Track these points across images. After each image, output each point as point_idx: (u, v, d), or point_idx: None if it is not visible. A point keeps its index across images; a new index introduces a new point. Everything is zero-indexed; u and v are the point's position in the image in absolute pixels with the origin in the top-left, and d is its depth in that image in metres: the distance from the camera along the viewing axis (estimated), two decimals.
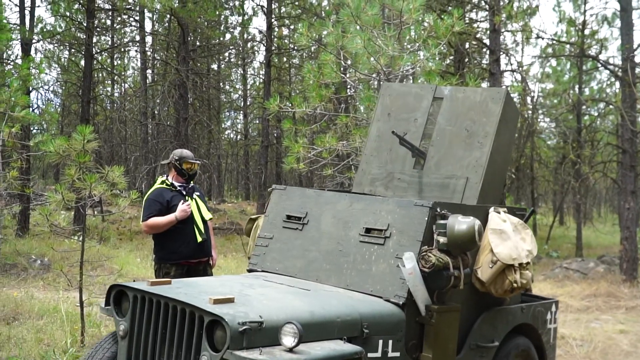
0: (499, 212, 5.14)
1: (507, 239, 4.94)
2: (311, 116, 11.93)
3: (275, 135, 25.59)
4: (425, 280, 4.52)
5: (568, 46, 18.05)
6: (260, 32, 24.35)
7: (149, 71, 25.86)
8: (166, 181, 6.48)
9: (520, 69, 19.16)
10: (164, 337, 4.06)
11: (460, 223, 4.52)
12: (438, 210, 4.68)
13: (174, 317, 4.01)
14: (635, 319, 11.19)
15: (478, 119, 5.80)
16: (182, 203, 6.33)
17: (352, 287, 4.74)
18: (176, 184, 6.48)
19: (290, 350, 3.62)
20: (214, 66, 28.57)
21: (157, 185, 6.51)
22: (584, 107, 18.86)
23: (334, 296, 4.49)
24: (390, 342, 4.36)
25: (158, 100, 22.85)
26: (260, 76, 27.59)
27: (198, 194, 6.62)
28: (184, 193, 6.47)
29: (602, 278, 14.64)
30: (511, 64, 19.11)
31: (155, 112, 23.66)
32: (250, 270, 5.37)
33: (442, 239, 4.54)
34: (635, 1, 15.46)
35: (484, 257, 4.91)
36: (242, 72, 28.79)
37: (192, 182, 6.63)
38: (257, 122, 30.21)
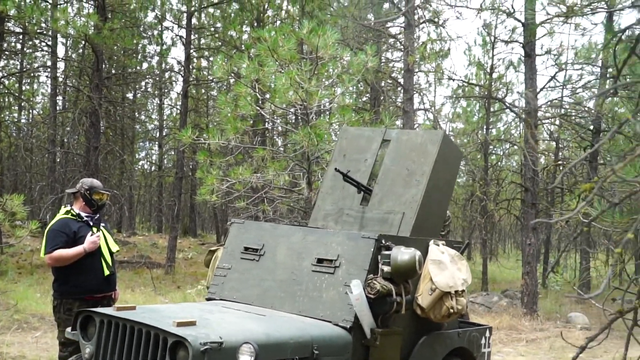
0: (437, 245, 5.62)
1: (444, 268, 5.40)
2: (226, 148, 11.93)
3: (190, 167, 25.31)
4: (370, 306, 4.91)
5: (477, 88, 18.84)
6: (178, 62, 24.22)
7: (59, 98, 25.14)
8: (72, 211, 6.19)
9: (433, 108, 19.84)
10: (129, 358, 4.33)
11: (403, 254, 4.96)
12: (383, 242, 5.12)
13: (139, 340, 4.30)
14: (535, 351, 11.63)
15: (417, 159, 6.29)
16: (90, 234, 6.09)
17: (304, 313, 5.11)
18: (83, 214, 6.20)
19: None
20: (130, 95, 28.12)
21: (61, 215, 6.20)
22: (490, 146, 19.65)
23: (287, 320, 4.86)
24: None
25: (68, 128, 22.22)
26: (177, 107, 27.37)
27: (104, 225, 6.41)
28: (91, 224, 6.21)
29: (505, 311, 15.14)
30: (424, 103, 19.78)
31: (65, 140, 22.96)
32: (208, 299, 5.68)
33: (386, 268, 4.98)
34: (538, 48, 16.33)
35: (424, 285, 5.35)
36: (158, 102, 28.45)
37: (98, 213, 6.39)
38: (172, 153, 29.84)
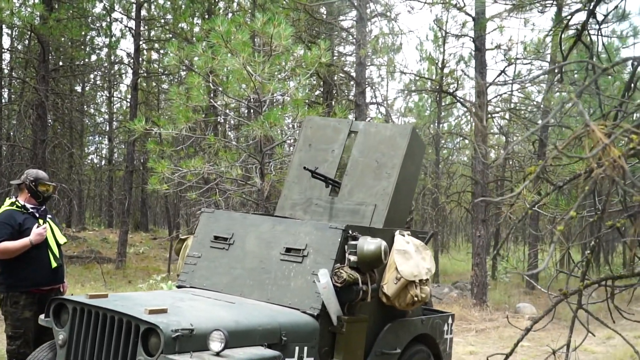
0: (403, 235, 5.76)
1: (409, 258, 5.55)
2: (178, 140, 11.79)
3: (141, 160, 24.94)
4: (337, 294, 5.07)
5: (429, 83, 19.03)
6: (128, 54, 23.82)
7: (4, 90, 24.47)
8: (17, 203, 6.09)
9: (385, 102, 19.96)
10: (101, 345, 4.43)
11: (369, 244, 5.10)
12: (350, 232, 5.26)
13: (111, 327, 4.40)
14: (484, 341, 11.84)
15: (387, 152, 6.43)
16: (37, 226, 5.99)
17: (273, 301, 5.24)
18: (28, 206, 6.10)
19: (217, 354, 4.09)
20: (78, 88, 27.53)
21: (6, 207, 6.09)
22: (442, 140, 19.90)
23: (256, 308, 4.98)
24: (306, 348, 4.90)
25: (14, 121, 21.65)
26: (127, 100, 26.94)
27: (50, 216, 6.30)
28: (37, 216, 6.12)
29: (455, 302, 15.38)
30: (376, 97, 19.83)
31: (11, 133, 22.37)
32: (179, 287, 5.79)
33: (352, 258, 5.13)
34: (488, 43, 16.58)
35: (389, 275, 5.50)
36: (107, 95, 27.94)
37: (44, 205, 6.28)
38: (123, 147, 29.35)
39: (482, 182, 14.84)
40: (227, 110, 11.97)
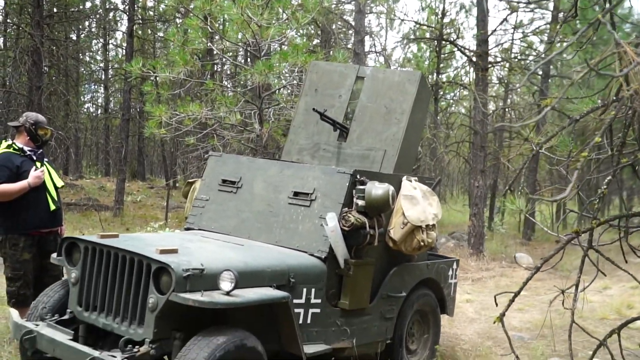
0: (410, 181, 5.78)
1: (416, 203, 5.58)
2: (175, 83, 11.63)
3: (137, 109, 24.75)
4: (345, 238, 5.12)
5: (429, 34, 18.75)
6: (123, 1, 23.40)
7: None
8: (14, 145, 6.03)
9: (384, 51, 19.73)
10: (113, 283, 4.49)
11: (377, 188, 5.14)
12: (358, 177, 5.30)
13: (122, 266, 4.45)
14: (480, 289, 11.94)
15: (396, 98, 6.43)
16: (34, 169, 5.97)
17: (281, 244, 5.30)
18: (26, 148, 6.05)
19: (227, 293, 4.14)
20: (73, 36, 27.11)
21: (2, 149, 6.01)
22: (440, 91, 19.72)
23: (264, 250, 5.05)
24: (313, 290, 4.98)
25: (9, 68, 21.36)
26: (123, 47, 26.59)
27: (47, 160, 6.29)
28: (35, 159, 6.08)
29: (452, 252, 15.44)
30: (375, 47, 19.62)
31: (6, 79, 22.11)
32: (187, 229, 5.85)
33: (360, 202, 5.17)
34: None
35: (396, 219, 5.53)
36: (103, 42, 27.54)
37: (41, 149, 6.24)
38: (119, 95, 29.09)
39: (482, 132, 14.76)
40: (225, 56, 11.76)
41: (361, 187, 5.22)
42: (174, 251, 4.40)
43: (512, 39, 18.67)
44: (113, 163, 27.94)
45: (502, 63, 15.95)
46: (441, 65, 19.84)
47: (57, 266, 6.09)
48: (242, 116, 11.26)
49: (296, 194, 5.45)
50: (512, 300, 3.84)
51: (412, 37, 19.49)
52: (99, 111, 31.29)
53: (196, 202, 5.96)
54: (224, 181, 5.87)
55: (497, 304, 4.88)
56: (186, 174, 19.66)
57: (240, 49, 11.17)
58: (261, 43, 10.21)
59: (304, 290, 4.90)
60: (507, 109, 18.69)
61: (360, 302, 5.36)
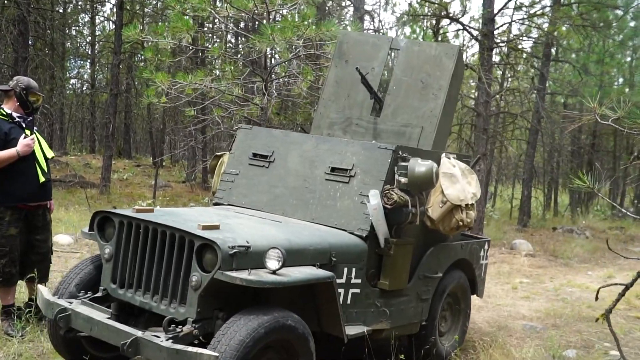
0: (449, 158, 5.62)
1: (456, 182, 5.42)
2: (175, 51, 11.08)
3: (124, 85, 24.08)
4: (386, 216, 4.91)
5: (428, 9, 18.30)
6: None
7: None
8: (2, 110, 5.61)
9: (383, 28, 19.30)
10: (151, 259, 4.27)
11: (420, 165, 4.94)
12: (400, 153, 5.08)
13: (162, 242, 4.21)
14: None
15: (433, 72, 6.22)
16: (24, 137, 5.53)
17: (318, 221, 5.08)
18: (15, 115, 5.62)
19: (274, 272, 3.94)
20: (59, 9, 26.29)
21: None
22: None
23: (304, 227, 4.83)
24: (354, 269, 4.78)
25: None
26: (111, 20, 25.84)
27: (36, 129, 5.85)
28: (24, 126, 5.65)
29: None
30: (374, 24, 19.18)
31: None
32: (216, 204, 5.62)
33: (403, 179, 4.96)
34: None
35: (435, 198, 5.36)
36: (90, 16, 26.78)
37: (32, 116, 5.81)
38: (106, 69, 28.34)
39: (485, 114, 14.42)
40: (230, 24, 11.23)
41: (403, 163, 5.01)
42: (216, 227, 4.17)
43: (511, 21, 18.31)
44: (98, 140, 27.31)
45: (507, 44, 15.56)
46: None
47: (45, 242, 5.83)
48: (243, 90, 10.80)
49: (333, 169, 5.22)
50: (622, 294, 3.43)
51: (407, 17, 19.02)
52: (84, 87, 30.51)
53: (224, 176, 5.71)
54: (255, 155, 5.62)
55: (597, 298, 4.51)
56: (176, 152, 19.12)
57: (244, 18, 10.67)
58: (271, 9, 9.75)
59: (345, 269, 4.71)
60: (501, 95, 18.31)
61: (400, 283, 5.17)
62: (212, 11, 10.39)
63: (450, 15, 14.99)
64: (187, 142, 19.27)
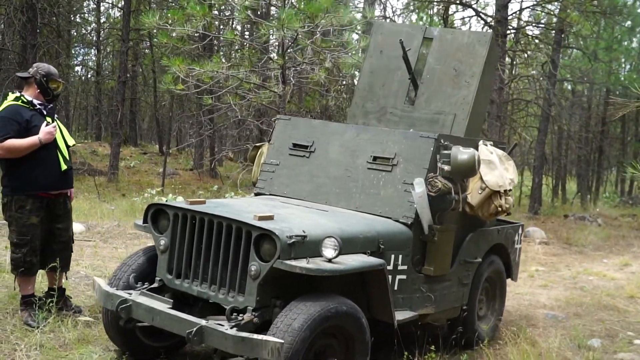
0: (486, 145, 5.71)
1: (494, 168, 5.51)
2: (190, 38, 11.01)
3: (131, 72, 23.97)
4: (429, 203, 5.02)
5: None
6: None
7: None
8: (22, 98, 5.47)
9: (394, 15, 19.21)
10: (208, 250, 4.37)
11: (462, 153, 5.03)
12: (442, 141, 5.19)
13: (219, 233, 4.31)
14: None
15: (465, 60, 6.30)
16: (46, 124, 5.43)
17: (362, 209, 5.17)
18: (35, 102, 5.50)
19: (330, 260, 4.05)
20: None
21: (10, 102, 5.46)
22: None
23: (351, 216, 4.95)
24: (400, 256, 4.89)
25: (2, 25, 20.51)
26: (119, 7, 25.69)
27: (57, 116, 5.75)
28: (45, 113, 5.53)
29: None
30: (385, 11, 19.07)
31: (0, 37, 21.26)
32: (257, 194, 5.71)
33: (446, 167, 5.06)
34: None
35: (473, 184, 5.45)
36: (96, 2, 26.60)
37: (52, 103, 5.70)
38: (112, 57, 28.16)
39: (498, 102, 14.40)
40: (245, 12, 11.16)
41: (446, 151, 5.10)
42: (271, 217, 4.28)
43: (521, 8, 18.23)
44: (104, 127, 27.21)
45: (518, 30, 15.52)
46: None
47: (66, 231, 5.77)
48: (260, 78, 10.77)
49: (376, 158, 5.30)
50: None
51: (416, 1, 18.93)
52: (89, 74, 30.31)
53: (265, 166, 5.79)
54: (295, 145, 5.69)
55: None
56: (189, 143, 19.03)
57: (262, 4, 10.64)
58: None
59: (392, 256, 4.81)
60: (512, 81, 18.27)
61: (443, 268, 5.29)
62: None
63: (464, 1, 14.90)
64: (197, 130, 19.23)
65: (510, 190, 5.64)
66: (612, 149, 25.17)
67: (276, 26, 9.22)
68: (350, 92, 15.39)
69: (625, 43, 20.36)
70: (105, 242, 9.48)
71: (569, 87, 22.42)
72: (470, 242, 5.75)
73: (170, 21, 10.07)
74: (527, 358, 5.29)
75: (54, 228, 5.63)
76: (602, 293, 9.07)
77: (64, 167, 5.51)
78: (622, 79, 18.14)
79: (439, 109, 6.28)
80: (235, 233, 4.24)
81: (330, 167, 5.46)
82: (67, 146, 5.67)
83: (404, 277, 4.92)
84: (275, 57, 10.21)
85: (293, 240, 4.01)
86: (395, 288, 4.84)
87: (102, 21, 27.07)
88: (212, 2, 10.07)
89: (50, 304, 5.48)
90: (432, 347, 5.31)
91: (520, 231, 6.77)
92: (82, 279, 7.06)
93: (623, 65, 21.27)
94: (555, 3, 16.06)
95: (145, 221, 4.73)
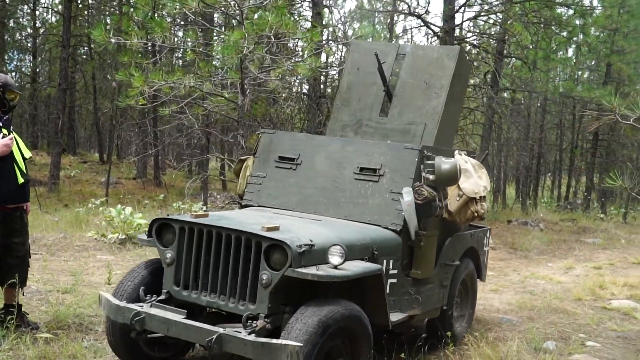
0: (461, 154, 6.03)
1: (470, 176, 5.86)
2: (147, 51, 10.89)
3: (70, 79, 23.39)
4: (416, 211, 5.33)
5: (380, 5, 18.55)
6: None
7: None
8: None
9: (341, 24, 19.40)
10: (216, 262, 4.52)
11: (445, 163, 5.37)
12: (425, 152, 5.51)
13: (227, 244, 4.48)
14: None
15: (435, 73, 6.68)
16: (2, 137, 5.36)
17: (351, 218, 5.44)
18: None
19: (336, 267, 4.29)
20: None
21: None
22: None
23: (345, 225, 5.22)
24: (391, 261, 5.18)
25: None
26: (55, 11, 25.01)
27: (12, 127, 5.64)
28: (1, 125, 5.44)
29: None
30: (333, 16, 19.29)
31: None
32: (244, 206, 5.90)
33: (431, 176, 5.39)
34: None
35: (451, 192, 5.79)
36: (31, 7, 25.84)
37: (8, 115, 5.62)
38: (49, 63, 27.37)
39: None
40: (202, 21, 11.11)
41: (429, 162, 5.42)
42: (277, 228, 4.47)
43: (462, 20, 18.75)
44: (41, 136, 26.44)
45: (469, 39, 15.96)
46: (392, 41, 19.72)
47: (22, 245, 5.68)
48: (220, 88, 10.71)
49: (362, 169, 5.57)
50: None
51: (363, 11, 19.21)
52: (22, 81, 29.37)
53: (252, 179, 5.98)
54: (281, 158, 5.90)
55: None
56: (146, 153, 18.66)
57: (218, 13, 10.60)
58: (243, 6, 9.73)
59: (384, 261, 5.06)
60: None
61: (428, 271, 5.63)
62: (184, 8, 10.18)
63: (413, 12, 15.23)
64: (142, 138, 18.93)
65: (484, 196, 6.01)
66: (549, 155, 26.18)
67: (229, 50, 9.24)
68: (300, 100, 15.50)
69: (561, 53, 21.21)
70: (53, 255, 9.24)
71: (507, 95, 23.16)
72: (449, 246, 6.11)
73: (123, 35, 9.91)
74: None
75: (11, 242, 5.50)
76: (551, 296, 9.31)
77: (21, 180, 5.44)
78: (560, 87, 18.88)
79: (411, 120, 6.61)
80: (245, 244, 4.41)
81: (318, 178, 5.69)
82: (24, 159, 5.59)
83: (394, 280, 5.20)
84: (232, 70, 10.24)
85: (303, 249, 4.22)
86: (387, 291, 5.04)
87: (37, 26, 26.31)
88: (171, 12, 9.97)
89: (11, 321, 5.35)
90: (402, 355, 5.55)
91: (488, 235, 7.22)
92: (34, 294, 6.90)
93: (560, 75, 22.20)
94: (499, 14, 16.59)
95: (149, 235, 4.85)
